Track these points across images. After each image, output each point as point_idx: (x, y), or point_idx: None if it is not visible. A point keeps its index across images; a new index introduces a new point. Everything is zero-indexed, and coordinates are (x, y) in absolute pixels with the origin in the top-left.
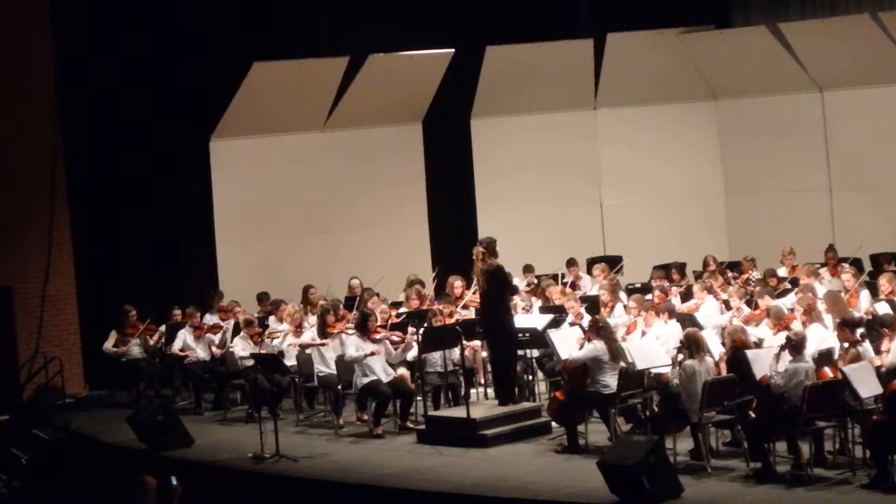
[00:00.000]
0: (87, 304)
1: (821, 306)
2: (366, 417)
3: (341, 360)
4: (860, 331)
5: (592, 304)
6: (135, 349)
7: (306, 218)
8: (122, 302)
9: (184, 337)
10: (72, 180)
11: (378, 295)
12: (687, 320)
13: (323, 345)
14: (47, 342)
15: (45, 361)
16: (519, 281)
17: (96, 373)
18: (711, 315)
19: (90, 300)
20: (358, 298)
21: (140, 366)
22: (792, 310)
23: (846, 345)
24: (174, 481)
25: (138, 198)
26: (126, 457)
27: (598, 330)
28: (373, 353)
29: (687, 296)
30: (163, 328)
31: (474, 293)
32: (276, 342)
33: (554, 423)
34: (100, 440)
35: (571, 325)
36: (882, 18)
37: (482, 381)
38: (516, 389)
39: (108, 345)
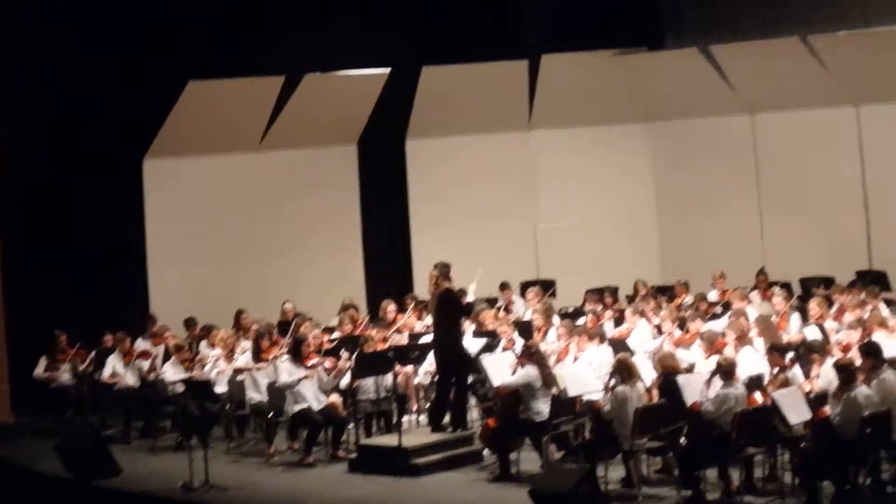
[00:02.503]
0: (14, 330)
1: (752, 331)
2: (297, 446)
3: (273, 387)
4: (790, 356)
5: (525, 328)
6: (65, 375)
7: (240, 240)
8: (51, 327)
9: (113, 363)
10: (1, 198)
11: (311, 320)
12: (619, 345)
13: (258, 369)
14: None
15: None
16: None
17: (23, 399)
18: (643, 340)
19: (17, 325)
20: (292, 323)
21: (69, 392)
22: (724, 334)
23: (776, 370)
24: None
25: (69, 219)
26: (52, 486)
27: (531, 356)
28: (306, 377)
29: (619, 320)
30: (93, 354)
31: (408, 317)
32: (207, 368)
33: (486, 451)
34: (27, 468)
35: (504, 350)
36: (811, 41)
37: (415, 408)
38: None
39: (39, 370)
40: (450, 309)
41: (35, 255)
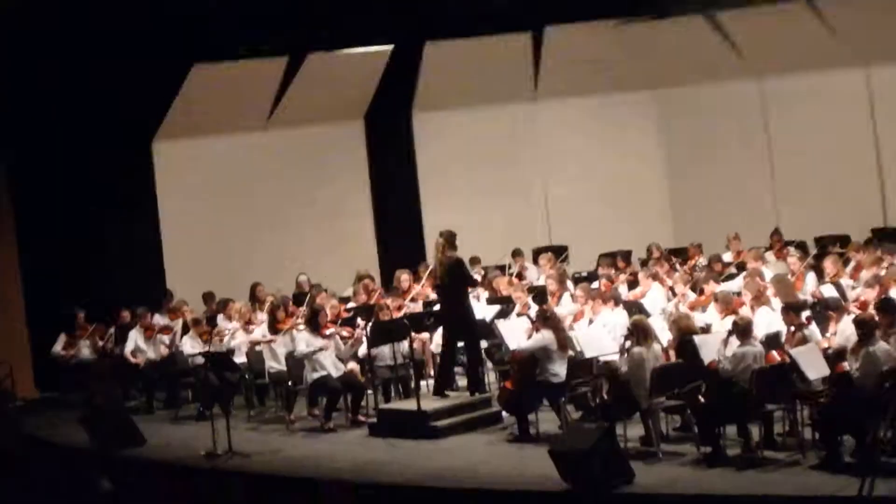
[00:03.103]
0: (35, 307)
1: (768, 290)
2: (317, 412)
3: (292, 357)
4: (806, 314)
5: (539, 294)
6: (85, 351)
7: (252, 216)
8: (70, 304)
9: (135, 338)
10: (16, 184)
11: (326, 290)
12: (633, 308)
13: (272, 341)
14: None
15: None
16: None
17: (47, 374)
18: (658, 302)
19: (38, 302)
20: (307, 294)
21: (90, 367)
22: (739, 294)
23: (793, 328)
24: (106, 483)
25: (83, 200)
26: (79, 458)
27: (546, 320)
28: (324, 347)
29: (633, 283)
30: (112, 329)
31: (423, 286)
32: (225, 340)
33: (504, 413)
34: (53, 442)
35: (518, 315)
36: (817, 4)
37: (432, 374)
38: (469, 380)
39: (57, 348)
40: (457, 276)
41: (51, 237)
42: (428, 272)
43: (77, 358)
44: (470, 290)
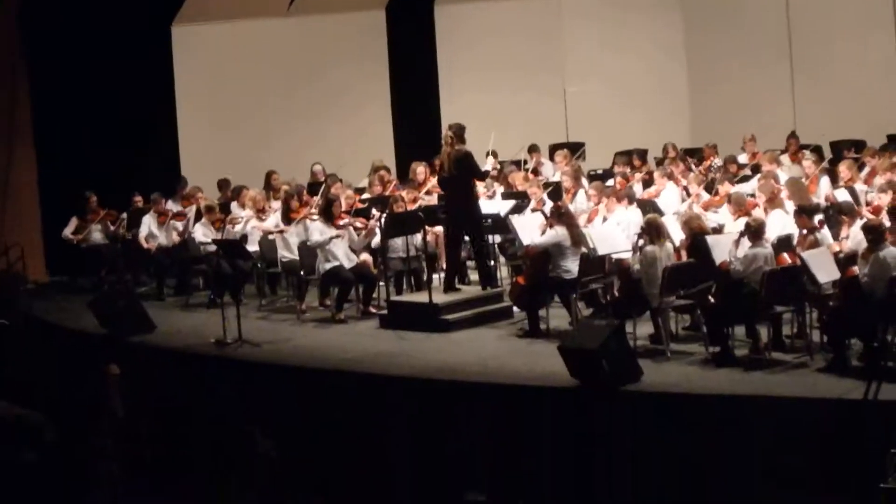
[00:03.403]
0: (49, 191)
1: (782, 193)
2: (328, 303)
3: (304, 246)
4: (819, 217)
5: (555, 190)
6: (96, 235)
7: (269, 104)
8: (84, 188)
9: (148, 223)
10: (33, 66)
11: (341, 181)
12: (648, 206)
13: (285, 231)
14: (8, 228)
15: (5, 248)
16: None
17: (58, 259)
18: (672, 201)
19: (52, 186)
20: (322, 184)
21: (102, 251)
22: (753, 195)
23: (805, 231)
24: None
25: (100, 83)
26: (88, 342)
27: (560, 216)
28: (338, 236)
29: (648, 182)
30: (124, 215)
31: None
32: (238, 228)
33: (515, 308)
34: (62, 326)
35: (533, 210)
36: None
37: (444, 267)
38: (480, 274)
39: (68, 231)
40: (464, 169)
41: (66, 120)
42: (436, 164)
43: (88, 242)
44: (480, 182)
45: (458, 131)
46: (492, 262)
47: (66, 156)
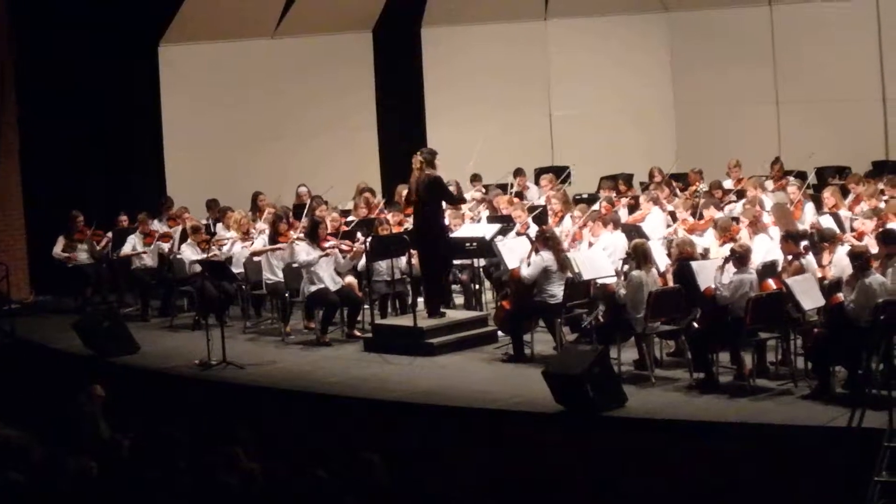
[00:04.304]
0: (34, 209)
1: (767, 218)
2: (313, 325)
3: (289, 268)
4: (804, 243)
5: (540, 214)
6: (82, 254)
7: (255, 125)
8: (69, 207)
9: (133, 242)
10: (20, 84)
11: (326, 203)
12: (633, 231)
13: (278, 249)
14: None
15: None
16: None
17: (42, 278)
18: (657, 226)
19: (37, 205)
20: (306, 206)
21: (87, 272)
22: (738, 221)
23: (790, 257)
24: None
25: (86, 102)
26: (72, 363)
27: (546, 241)
28: (326, 254)
29: (633, 207)
30: (110, 234)
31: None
32: (224, 249)
33: (500, 332)
34: (46, 346)
35: (518, 234)
36: None
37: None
38: (455, 299)
39: (58, 250)
40: (435, 195)
41: (52, 139)
42: (406, 191)
43: (75, 262)
44: (464, 206)
45: (429, 157)
46: (477, 286)
47: (52, 175)
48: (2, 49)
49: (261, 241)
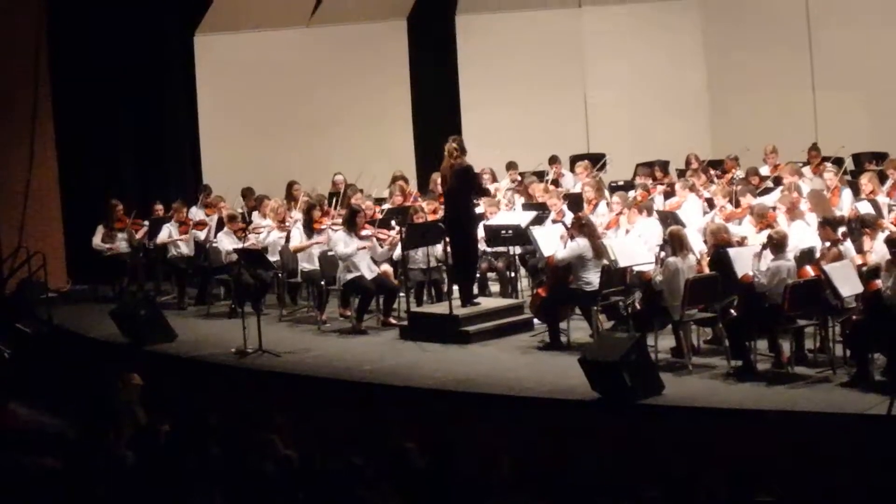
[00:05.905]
0: (71, 198)
1: (804, 205)
2: (349, 313)
3: (325, 257)
4: (842, 230)
5: (575, 201)
6: (122, 243)
7: (290, 114)
8: (105, 197)
9: (169, 230)
10: (56, 74)
11: (361, 191)
12: (669, 218)
13: (318, 243)
14: (30, 236)
15: (27, 256)
16: (501, 179)
17: (79, 267)
18: (693, 213)
19: (73, 194)
20: (341, 194)
21: (124, 260)
22: (775, 208)
23: (828, 244)
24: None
25: (123, 93)
26: (109, 351)
27: (581, 227)
28: (365, 248)
29: (669, 194)
30: (147, 223)
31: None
32: (261, 237)
33: (536, 320)
34: (83, 334)
35: (553, 222)
36: None
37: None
38: (498, 287)
39: (97, 240)
40: (466, 184)
41: (90, 128)
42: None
43: (114, 251)
44: (479, 199)
45: (461, 145)
46: (513, 274)
47: (88, 164)
48: (37, 39)
49: (297, 235)
